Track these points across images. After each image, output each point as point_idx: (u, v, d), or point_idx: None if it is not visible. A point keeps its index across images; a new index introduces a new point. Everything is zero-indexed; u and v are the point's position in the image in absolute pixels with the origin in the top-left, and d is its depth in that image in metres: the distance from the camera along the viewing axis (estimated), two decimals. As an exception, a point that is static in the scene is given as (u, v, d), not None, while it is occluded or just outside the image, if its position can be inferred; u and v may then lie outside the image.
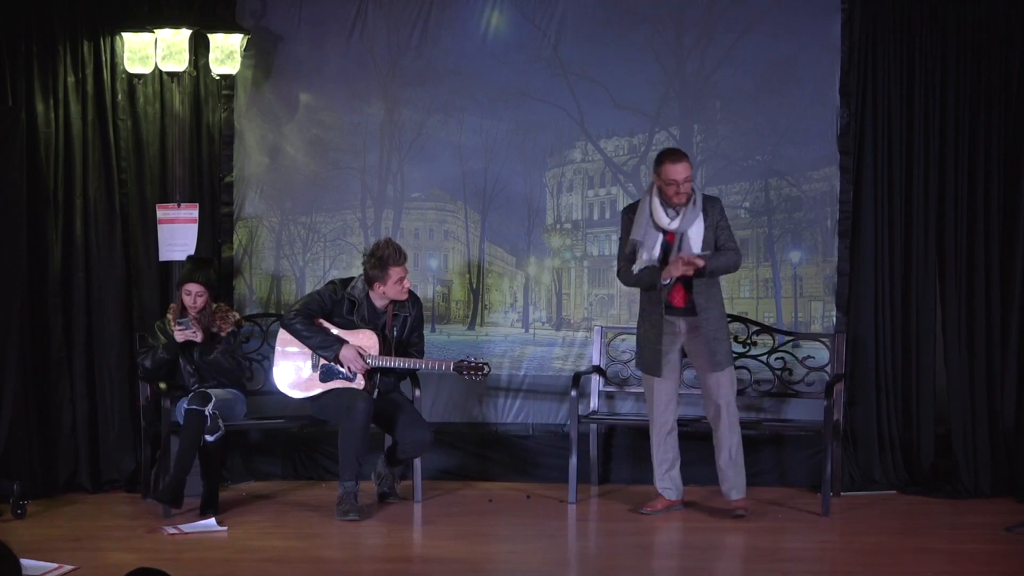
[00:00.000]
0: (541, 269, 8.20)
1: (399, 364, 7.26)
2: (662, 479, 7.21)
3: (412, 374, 7.47)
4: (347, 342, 7.21)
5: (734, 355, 7.81)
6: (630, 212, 7.08)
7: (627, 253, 7.03)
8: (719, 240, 7.01)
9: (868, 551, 6.40)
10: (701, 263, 6.85)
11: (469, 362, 7.25)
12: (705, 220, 6.97)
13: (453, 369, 7.24)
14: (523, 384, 8.12)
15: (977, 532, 6.83)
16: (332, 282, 7.44)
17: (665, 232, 6.94)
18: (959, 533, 6.91)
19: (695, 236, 6.94)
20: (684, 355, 7.16)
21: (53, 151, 7.68)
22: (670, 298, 6.98)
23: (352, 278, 7.39)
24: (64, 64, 7.68)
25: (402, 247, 7.31)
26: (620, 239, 7.17)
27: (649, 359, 7.06)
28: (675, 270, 6.86)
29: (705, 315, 6.95)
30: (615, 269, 7.28)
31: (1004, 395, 7.61)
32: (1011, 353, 7.61)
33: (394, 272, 7.21)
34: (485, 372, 7.26)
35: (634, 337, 7.97)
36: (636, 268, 6.98)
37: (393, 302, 7.32)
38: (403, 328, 7.34)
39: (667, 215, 6.92)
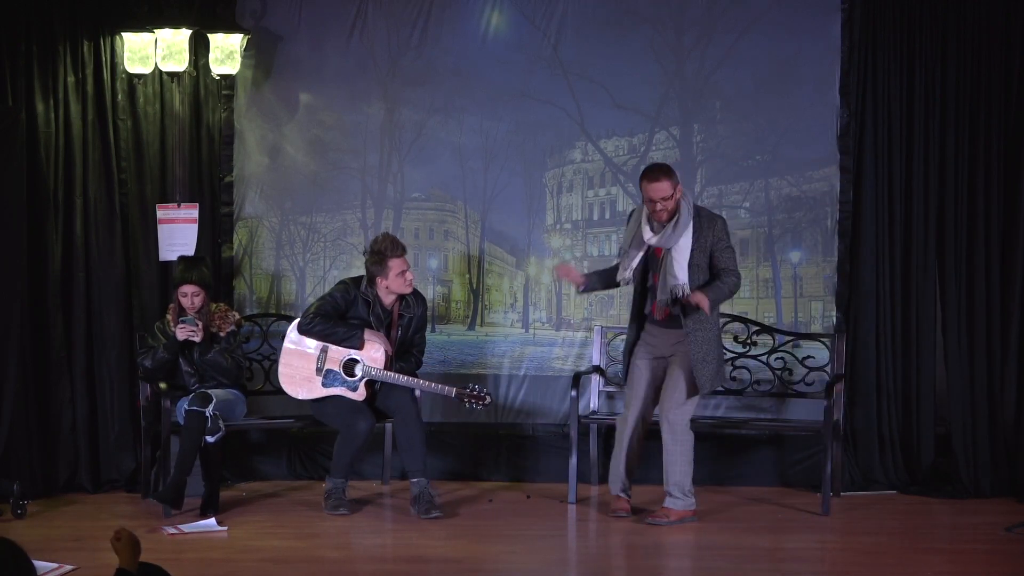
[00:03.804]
0: (541, 269, 8.20)
1: (403, 381, 7.24)
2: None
3: (413, 372, 7.48)
4: (365, 328, 7.21)
5: (734, 354, 7.82)
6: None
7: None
8: (716, 261, 6.88)
9: (868, 551, 6.40)
10: (704, 303, 6.75)
11: (472, 391, 7.19)
12: (697, 239, 6.84)
13: (455, 396, 7.21)
14: (523, 384, 8.12)
15: (977, 532, 6.83)
16: (343, 282, 7.40)
17: (651, 246, 6.91)
18: (959, 533, 6.92)
19: (680, 256, 6.83)
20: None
21: (53, 151, 7.67)
22: (651, 310, 6.96)
23: (360, 278, 7.38)
24: (64, 64, 7.68)
25: (400, 240, 7.30)
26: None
27: (623, 367, 7.12)
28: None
29: (694, 335, 6.86)
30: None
31: (1004, 395, 7.61)
32: (1011, 353, 7.61)
33: (394, 264, 7.20)
34: (487, 403, 7.20)
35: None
36: (619, 276, 7.02)
37: (400, 301, 7.30)
38: (407, 328, 7.34)
39: (651, 229, 6.87)
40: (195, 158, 7.96)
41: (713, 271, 6.89)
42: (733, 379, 7.83)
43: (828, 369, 7.68)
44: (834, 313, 7.87)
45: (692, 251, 6.84)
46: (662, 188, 6.79)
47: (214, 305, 7.43)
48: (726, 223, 7.00)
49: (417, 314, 7.37)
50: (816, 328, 7.92)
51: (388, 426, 7.71)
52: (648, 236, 6.88)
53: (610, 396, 7.98)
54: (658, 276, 6.89)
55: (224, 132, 8.05)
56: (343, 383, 7.24)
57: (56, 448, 7.64)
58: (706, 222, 6.89)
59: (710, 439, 7.87)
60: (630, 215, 7.15)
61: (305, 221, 8.17)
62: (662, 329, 6.97)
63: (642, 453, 7.13)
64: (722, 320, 7.83)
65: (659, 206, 6.80)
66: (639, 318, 7.03)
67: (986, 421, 7.64)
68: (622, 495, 7.09)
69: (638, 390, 7.05)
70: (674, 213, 6.83)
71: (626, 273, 6.97)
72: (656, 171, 6.88)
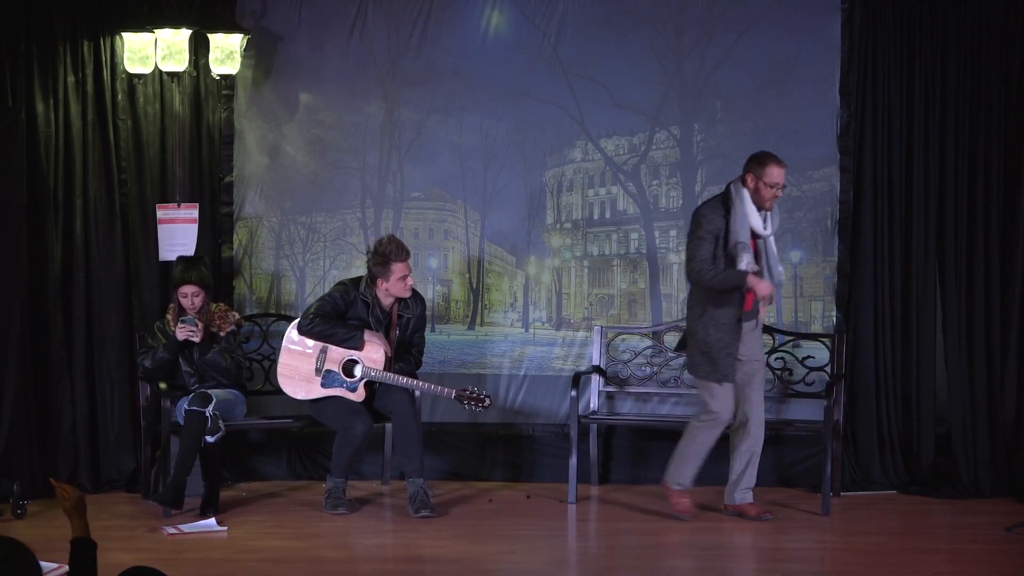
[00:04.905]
0: (541, 269, 8.19)
1: (403, 382, 7.24)
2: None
3: (412, 372, 7.49)
4: (366, 329, 7.21)
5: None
6: (716, 210, 6.83)
7: (706, 255, 6.76)
8: None
9: (868, 551, 6.40)
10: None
11: (472, 392, 7.20)
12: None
13: (454, 398, 7.21)
14: (523, 384, 8.12)
15: (977, 532, 6.83)
16: (342, 283, 7.41)
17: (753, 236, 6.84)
18: (959, 533, 6.91)
19: (774, 243, 6.92)
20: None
21: (53, 151, 7.68)
22: (748, 305, 6.86)
23: (359, 278, 7.38)
24: (64, 64, 7.68)
25: (405, 244, 7.30)
26: (699, 236, 6.79)
27: (724, 365, 6.81)
28: (764, 290, 6.73)
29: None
30: (694, 269, 6.81)
31: (1004, 395, 7.61)
32: (1011, 353, 7.61)
33: (397, 268, 7.20)
34: (486, 404, 7.19)
35: (634, 337, 7.99)
36: (742, 266, 6.73)
37: (399, 302, 7.31)
38: (406, 328, 7.35)
39: (761, 220, 6.83)
40: (195, 158, 7.96)
41: None
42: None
43: (828, 369, 7.68)
44: (834, 313, 7.87)
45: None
46: (784, 173, 6.85)
47: (214, 305, 7.43)
48: None
49: (416, 314, 7.37)
50: (816, 328, 7.92)
51: (388, 426, 7.71)
52: (763, 227, 6.82)
53: (610, 396, 7.98)
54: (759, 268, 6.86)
55: (224, 132, 8.05)
56: (342, 384, 7.24)
57: (56, 448, 7.65)
58: None
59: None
60: (708, 208, 6.90)
61: (305, 221, 8.17)
62: (749, 323, 6.94)
63: None
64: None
65: (779, 192, 6.84)
66: (729, 316, 6.81)
67: (986, 421, 7.64)
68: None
69: (733, 393, 6.96)
70: None
71: (752, 263, 6.78)
72: (777, 156, 6.85)
